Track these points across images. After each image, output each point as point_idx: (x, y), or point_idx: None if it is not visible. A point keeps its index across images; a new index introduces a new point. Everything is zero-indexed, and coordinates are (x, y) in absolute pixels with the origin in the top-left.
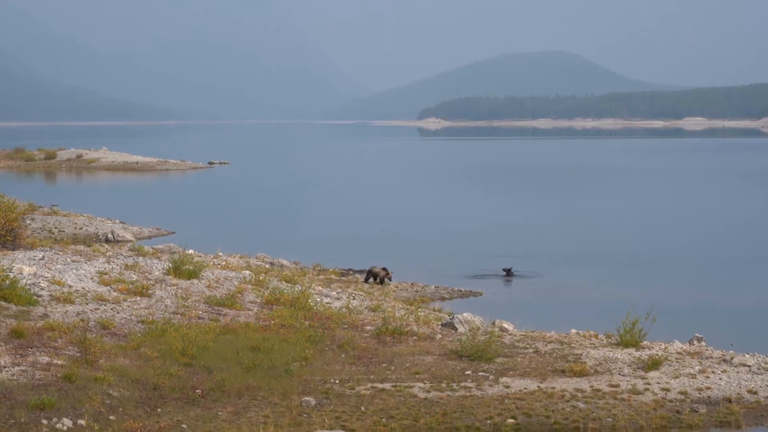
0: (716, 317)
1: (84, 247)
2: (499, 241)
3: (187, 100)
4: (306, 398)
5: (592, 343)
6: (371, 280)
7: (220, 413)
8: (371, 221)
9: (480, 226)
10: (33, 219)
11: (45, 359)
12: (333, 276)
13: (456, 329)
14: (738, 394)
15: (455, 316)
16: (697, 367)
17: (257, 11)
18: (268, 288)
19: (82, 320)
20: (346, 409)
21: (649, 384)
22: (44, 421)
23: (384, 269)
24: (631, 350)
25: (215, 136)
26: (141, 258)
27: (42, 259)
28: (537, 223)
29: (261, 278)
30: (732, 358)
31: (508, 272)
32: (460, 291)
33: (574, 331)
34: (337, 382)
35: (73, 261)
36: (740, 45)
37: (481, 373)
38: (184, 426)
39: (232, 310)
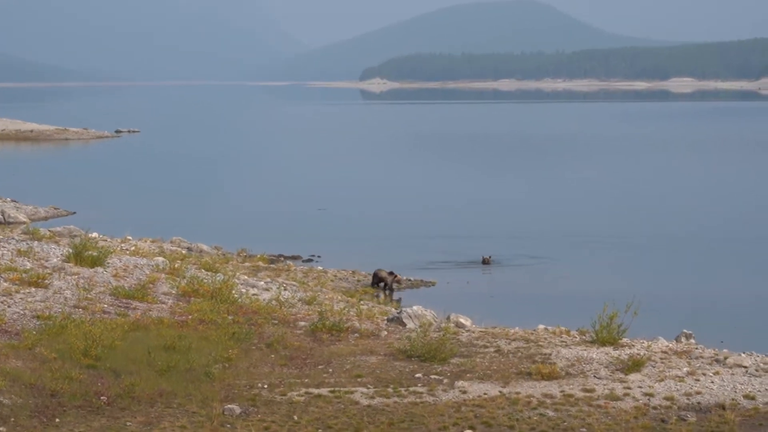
0: (707, 311)
1: None
2: (457, 222)
3: (92, 59)
4: (229, 406)
5: (563, 341)
6: (378, 285)
7: (128, 423)
8: (306, 199)
9: (433, 205)
10: None
11: None
12: (261, 263)
13: (404, 325)
14: (733, 399)
15: (403, 309)
16: (685, 369)
17: None
18: (184, 277)
19: None
20: (276, 419)
21: (629, 388)
22: None
23: (391, 273)
24: (609, 349)
25: (124, 100)
26: (36, 242)
27: None
28: (501, 201)
29: (176, 266)
30: (726, 358)
31: (486, 261)
32: (410, 281)
33: (542, 326)
34: (266, 386)
35: None
36: None
37: (433, 376)
38: None
39: (143, 303)
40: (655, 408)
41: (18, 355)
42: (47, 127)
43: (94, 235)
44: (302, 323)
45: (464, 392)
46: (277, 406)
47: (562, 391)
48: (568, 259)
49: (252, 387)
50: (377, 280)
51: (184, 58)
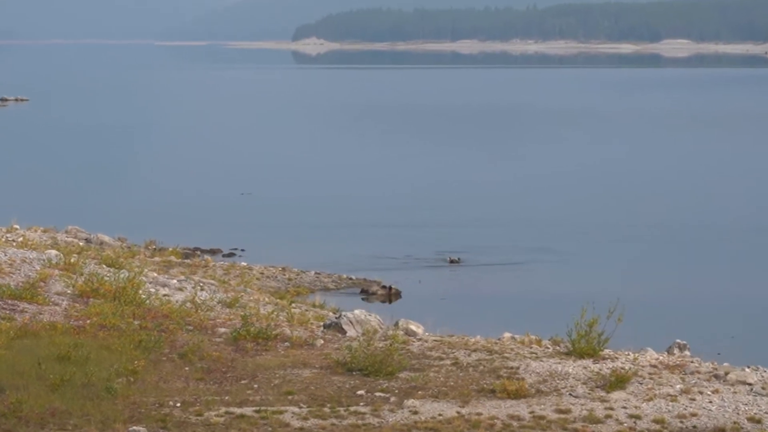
0: (704, 317)
1: None
2: (408, 210)
3: None
4: (134, 428)
5: (533, 352)
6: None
7: None
8: (226, 181)
9: (380, 190)
10: None
11: None
12: (173, 258)
13: (344, 332)
14: (735, 422)
15: (343, 314)
16: (678, 386)
17: None
18: (82, 274)
19: None
20: None
21: (611, 409)
22: None
23: (383, 287)
24: (588, 362)
25: (9, 61)
26: None
27: None
28: (463, 186)
29: (72, 261)
30: (726, 374)
31: (453, 261)
32: (351, 279)
33: (508, 335)
34: (179, 405)
35: None
36: None
37: (378, 394)
38: None
39: (32, 305)
40: None
41: None
42: None
43: None
44: (222, 330)
45: (415, 413)
46: (192, 429)
47: (531, 412)
48: (542, 255)
49: (162, 405)
50: (367, 295)
51: (81, 14)
